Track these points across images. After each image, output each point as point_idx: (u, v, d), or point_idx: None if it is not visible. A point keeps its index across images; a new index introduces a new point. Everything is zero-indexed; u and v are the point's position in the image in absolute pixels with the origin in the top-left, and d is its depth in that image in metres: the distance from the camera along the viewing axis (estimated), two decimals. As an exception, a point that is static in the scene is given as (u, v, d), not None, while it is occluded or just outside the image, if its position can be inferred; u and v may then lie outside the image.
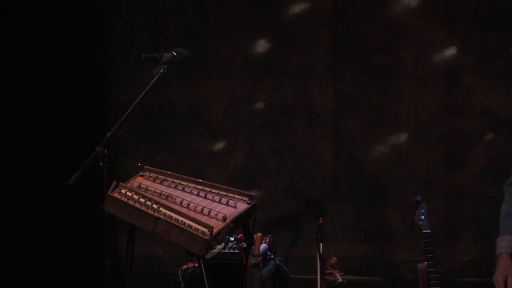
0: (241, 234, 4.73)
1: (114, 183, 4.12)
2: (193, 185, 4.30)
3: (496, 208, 6.26)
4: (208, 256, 4.28)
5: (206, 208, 4.14)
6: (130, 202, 4.08)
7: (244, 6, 6.67)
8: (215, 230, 3.97)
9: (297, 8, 6.62)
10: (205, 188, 4.28)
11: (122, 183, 4.16)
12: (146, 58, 4.27)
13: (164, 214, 4.02)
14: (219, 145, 6.80)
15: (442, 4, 6.34)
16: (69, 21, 6.61)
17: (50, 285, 6.44)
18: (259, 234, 4.49)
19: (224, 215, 4.09)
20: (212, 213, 4.11)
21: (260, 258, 4.43)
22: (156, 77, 4.21)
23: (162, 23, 6.79)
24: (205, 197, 4.25)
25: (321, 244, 5.02)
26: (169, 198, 4.19)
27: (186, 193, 4.26)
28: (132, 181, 4.34)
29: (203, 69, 6.69)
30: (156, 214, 4.03)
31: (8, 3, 6.33)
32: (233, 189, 4.31)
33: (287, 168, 6.65)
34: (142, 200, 4.08)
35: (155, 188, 4.26)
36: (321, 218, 5.07)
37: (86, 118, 6.67)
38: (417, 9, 6.38)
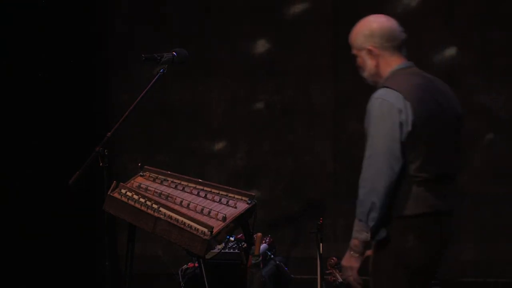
0: (241, 234, 4.73)
1: (114, 183, 4.12)
2: (193, 185, 4.31)
3: (496, 208, 6.28)
4: (208, 256, 4.29)
5: (206, 208, 4.15)
6: (130, 202, 4.08)
7: (244, 6, 6.67)
8: (215, 230, 3.97)
9: (297, 8, 6.62)
10: (205, 188, 4.29)
11: (122, 183, 4.16)
12: (146, 58, 4.28)
13: (164, 214, 4.02)
14: (219, 145, 6.80)
15: (442, 4, 6.34)
16: (69, 21, 6.61)
17: (50, 285, 6.44)
18: (259, 234, 4.49)
19: (224, 215, 4.09)
20: (212, 213, 4.11)
21: (260, 258, 4.43)
22: (156, 77, 4.21)
23: (162, 23, 6.79)
24: (205, 197, 4.25)
25: (321, 244, 5.02)
26: (169, 198, 4.19)
27: (186, 193, 4.27)
28: (132, 181, 4.34)
29: (203, 69, 6.69)
30: (156, 214, 4.03)
31: (7, 3, 6.33)
32: (233, 189, 4.31)
33: (287, 168, 6.65)
34: (142, 200, 4.08)
35: (155, 188, 4.26)
36: (321, 218, 5.07)
37: (86, 118, 6.67)
38: (417, 8, 6.38)
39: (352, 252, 3.81)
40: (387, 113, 3.78)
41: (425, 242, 3.75)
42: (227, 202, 4.21)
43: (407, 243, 3.73)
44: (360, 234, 3.74)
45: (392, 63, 3.99)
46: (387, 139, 3.74)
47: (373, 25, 4.11)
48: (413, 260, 3.74)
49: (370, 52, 4.03)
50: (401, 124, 3.74)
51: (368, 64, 4.05)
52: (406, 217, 3.72)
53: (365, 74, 4.11)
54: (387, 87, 3.88)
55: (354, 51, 4.10)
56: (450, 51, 6.34)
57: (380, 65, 4.02)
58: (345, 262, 3.87)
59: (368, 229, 3.71)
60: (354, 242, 3.80)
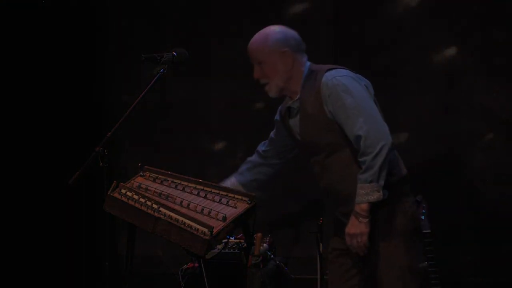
0: (241, 234, 4.73)
1: (114, 183, 4.12)
2: (193, 185, 4.30)
3: (496, 208, 6.28)
4: (208, 256, 4.28)
5: (206, 208, 4.14)
6: (130, 202, 4.08)
7: (244, 6, 6.67)
8: (215, 230, 3.96)
9: (297, 8, 6.62)
10: (205, 188, 4.28)
11: (122, 183, 4.16)
12: (146, 58, 4.28)
13: (164, 214, 4.02)
14: (219, 145, 6.79)
15: (442, 4, 6.34)
16: (68, 21, 6.62)
17: (50, 285, 6.44)
18: (259, 234, 4.50)
19: (224, 215, 4.09)
20: (212, 213, 4.11)
21: (260, 258, 4.43)
22: (156, 77, 4.21)
23: (162, 23, 6.79)
24: (205, 197, 4.24)
25: (321, 244, 5.03)
26: (169, 198, 4.19)
27: (186, 193, 4.26)
28: (132, 181, 4.33)
29: (203, 69, 6.68)
30: (156, 214, 4.03)
31: (7, 3, 6.34)
32: (233, 189, 4.31)
33: (287, 168, 6.63)
34: (142, 200, 4.08)
35: (155, 188, 4.25)
36: (321, 218, 5.07)
37: (86, 118, 6.67)
38: (417, 8, 6.38)
39: (361, 218, 3.86)
40: (352, 83, 3.91)
41: (414, 200, 4.06)
42: (227, 202, 4.21)
43: (408, 200, 3.96)
44: (370, 196, 3.81)
45: (304, 64, 4.06)
46: (368, 101, 3.88)
47: (283, 29, 4.16)
48: (417, 215, 4.03)
49: (284, 55, 4.05)
50: (366, 87, 3.88)
51: (280, 68, 4.07)
52: (401, 177, 3.95)
53: (275, 82, 4.13)
54: (330, 69, 3.99)
55: (261, 60, 4.09)
56: (450, 51, 6.34)
57: (294, 67, 4.06)
58: (353, 229, 3.90)
59: (380, 188, 3.78)
60: (362, 207, 3.85)
